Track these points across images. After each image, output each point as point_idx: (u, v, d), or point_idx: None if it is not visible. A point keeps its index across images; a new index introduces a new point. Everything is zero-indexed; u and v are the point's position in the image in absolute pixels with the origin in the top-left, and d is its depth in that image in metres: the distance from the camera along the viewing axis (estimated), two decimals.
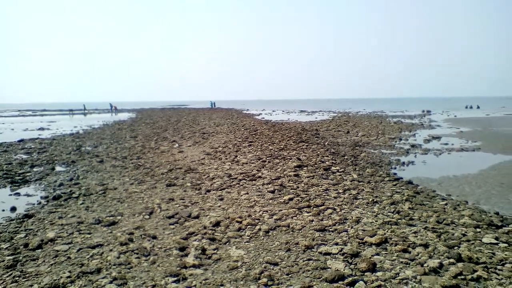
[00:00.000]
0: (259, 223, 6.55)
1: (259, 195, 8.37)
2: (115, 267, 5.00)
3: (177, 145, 16.56)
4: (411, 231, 6.10)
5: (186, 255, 5.36)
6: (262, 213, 7.06)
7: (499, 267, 4.83)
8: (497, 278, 4.52)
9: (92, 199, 8.42)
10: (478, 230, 6.28)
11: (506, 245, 5.60)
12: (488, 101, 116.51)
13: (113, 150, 16.03)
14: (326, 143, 17.65)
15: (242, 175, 10.18)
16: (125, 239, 5.90)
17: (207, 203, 7.84)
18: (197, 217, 6.97)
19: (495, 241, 5.72)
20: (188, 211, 7.29)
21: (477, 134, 23.16)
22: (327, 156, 13.59)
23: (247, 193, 8.49)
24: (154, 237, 6.06)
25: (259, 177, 9.99)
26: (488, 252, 5.30)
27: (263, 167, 11.22)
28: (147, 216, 7.13)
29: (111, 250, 5.55)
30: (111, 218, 7.01)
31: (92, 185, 9.71)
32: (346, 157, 14.00)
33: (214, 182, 9.50)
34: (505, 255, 5.19)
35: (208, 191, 8.78)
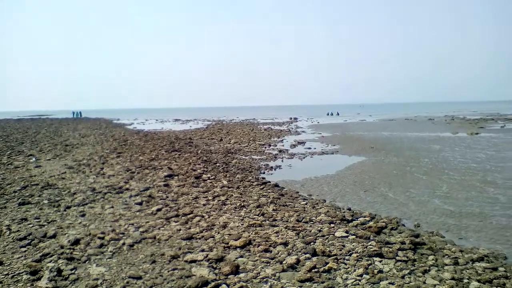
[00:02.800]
0: (123, 237, 6.25)
1: (126, 208, 8.02)
2: None
3: (34, 159, 15.01)
4: (273, 231, 6.43)
5: (39, 278, 4.86)
6: (128, 227, 6.76)
7: (347, 257, 5.35)
8: (344, 268, 5.00)
9: None
10: (332, 225, 6.89)
11: (354, 237, 6.24)
12: (346, 108, 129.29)
13: None
14: (199, 151, 17.72)
15: (107, 188, 9.64)
16: None
17: (66, 221, 7.23)
18: (53, 236, 6.38)
19: (346, 234, 6.33)
20: (43, 230, 6.63)
21: (336, 138, 25.51)
22: (199, 164, 13.65)
23: (112, 207, 8.06)
24: (0, 263, 5.38)
25: (127, 189, 9.58)
26: (339, 244, 5.84)
27: (131, 179, 10.79)
28: None
29: None
30: None
31: None
32: (218, 164, 14.22)
33: (76, 198, 8.82)
34: (353, 246, 5.78)
35: (68, 207, 8.11)
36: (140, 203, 8.28)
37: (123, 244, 5.95)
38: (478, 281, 4.69)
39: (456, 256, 5.54)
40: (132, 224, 6.89)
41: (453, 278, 4.66)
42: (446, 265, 5.20)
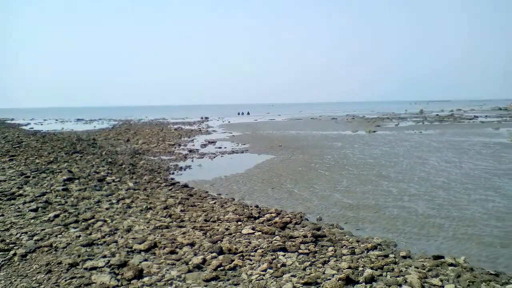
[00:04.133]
0: (14, 247, 5.71)
1: (18, 215, 7.33)
2: None
3: None
4: (180, 232, 6.34)
5: None
6: (20, 235, 6.19)
7: (252, 253, 5.46)
8: (250, 264, 5.10)
9: None
10: (239, 223, 6.98)
11: (260, 233, 6.39)
12: (256, 108, 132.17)
13: None
14: (103, 153, 16.88)
15: None
16: None
17: None
18: None
19: (252, 231, 6.46)
20: None
21: (246, 137, 25.93)
22: (103, 166, 13.00)
23: (3, 215, 7.32)
24: None
25: (20, 195, 8.77)
26: (246, 241, 5.94)
27: (26, 184, 9.90)
28: None
29: None
30: None
31: None
32: (124, 166, 13.68)
33: None
34: (259, 242, 5.92)
35: None
36: (35, 210, 7.64)
37: (14, 254, 5.45)
38: (372, 268, 5.07)
39: (353, 246, 5.94)
40: (26, 233, 6.33)
41: (349, 267, 4.98)
42: (344, 255, 5.55)
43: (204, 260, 5.11)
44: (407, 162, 14.61)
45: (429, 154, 16.56)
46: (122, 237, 6.10)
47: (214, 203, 8.66)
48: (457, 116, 46.81)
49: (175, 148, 20.36)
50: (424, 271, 5.01)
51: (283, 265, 5.06)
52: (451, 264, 5.39)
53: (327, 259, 5.33)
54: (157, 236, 6.15)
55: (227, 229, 6.54)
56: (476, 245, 6.47)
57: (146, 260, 5.21)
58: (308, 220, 7.81)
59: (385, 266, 5.13)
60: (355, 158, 15.77)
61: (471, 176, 11.75)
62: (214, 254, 5.32)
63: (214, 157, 17.17)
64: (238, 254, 5.36)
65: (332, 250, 5.67)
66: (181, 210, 7.80)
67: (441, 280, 4.73)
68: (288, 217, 7.54)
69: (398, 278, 4.72)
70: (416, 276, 4.73)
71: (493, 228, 7.22)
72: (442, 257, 5.69)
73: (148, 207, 7.98)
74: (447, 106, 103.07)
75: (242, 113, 73.93)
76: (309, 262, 5.18)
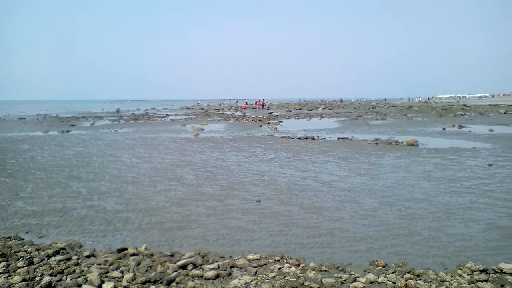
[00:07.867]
0: None
1: None
2: None
3: None
4: None
5: None
6: None
7: None
8: None
9: None
10: None
11: None
12: None
13: None
14: None
15: None
16: None
17: None
18: None
19: None
20: None
21: None
22: None
23: None
24: None
25: None
26: None
27: None
28: None
29: None
30: None
31: None
32: None
33: None
34: None
35: None
36: None
37: None
38: (51, 274, 4.78)
39: (31, 256, 5.43)
40: None
41: (24, 280, 4.53)
42: (20, 267, 5.01)
43: None
44: (100, 161, 14.58)
45: (122, 151, 17.03)
46: None
47: None
48: (151, 115, 50.03)
49: None
50: (106, 266, 5.10)
51: None
52: (133, 254, 5.69)
53: None
54: None
55: None
56: (158, 231, 7.07)
57: None
58: None
59: (65, 270, 4.94)
60: (43, 161, 14.55)
61: (159, 169, 12.78)
62: None
63: None
64: None
65: (3, 266, 5.01)
66: None
67: (122, 272, 4.92)
68: None
69: (78, 279, 4.63)
70: (97, 272, 4.75)
71: (174, 214, 8.05)
72: (126, 249, 5.93)
73: None
74: (143, 105, 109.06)
75: None
76: None
